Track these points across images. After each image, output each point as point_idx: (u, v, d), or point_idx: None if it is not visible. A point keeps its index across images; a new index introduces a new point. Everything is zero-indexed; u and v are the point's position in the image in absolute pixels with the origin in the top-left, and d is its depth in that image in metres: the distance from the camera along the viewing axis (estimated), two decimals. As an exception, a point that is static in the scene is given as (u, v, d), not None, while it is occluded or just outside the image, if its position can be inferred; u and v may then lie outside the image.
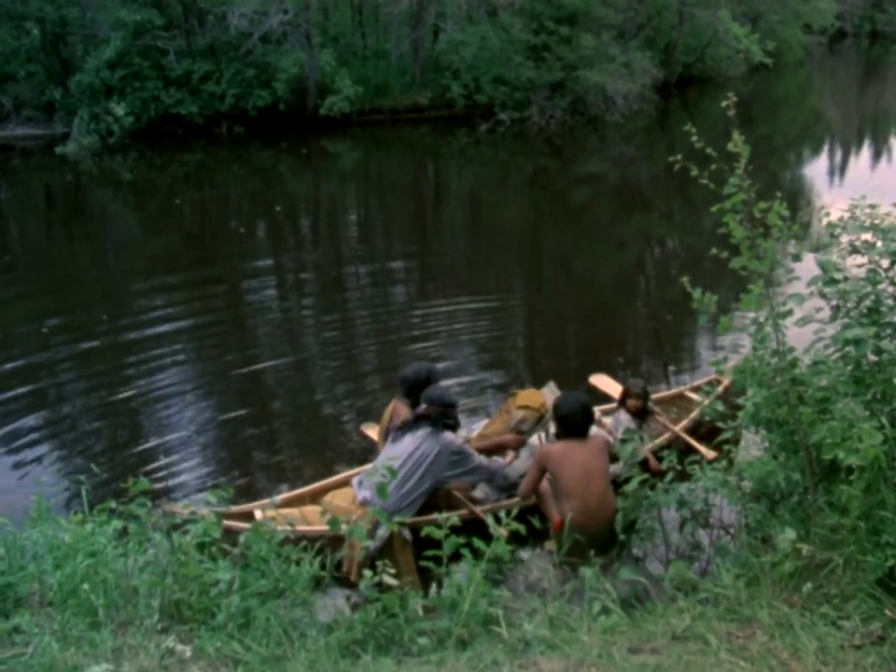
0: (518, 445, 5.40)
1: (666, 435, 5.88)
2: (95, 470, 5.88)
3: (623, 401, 6.05)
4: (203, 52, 21.40)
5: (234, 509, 5.02)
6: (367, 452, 6.25)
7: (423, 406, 5.02)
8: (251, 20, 20.20)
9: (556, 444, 4.97)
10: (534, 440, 5.62)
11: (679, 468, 4.46)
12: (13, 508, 5.07)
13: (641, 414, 5.95)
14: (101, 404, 7.57)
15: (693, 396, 6.58)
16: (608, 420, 6.03)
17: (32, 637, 2.84)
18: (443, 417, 4.92)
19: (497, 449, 5.43)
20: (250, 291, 11.08)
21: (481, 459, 5.05)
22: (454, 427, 5.02)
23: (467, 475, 5.02)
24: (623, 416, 5.97)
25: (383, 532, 4.46)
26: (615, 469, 5.09)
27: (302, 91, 21.49)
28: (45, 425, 7.18)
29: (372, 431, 6.16)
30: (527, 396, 5.58)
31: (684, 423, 6.04)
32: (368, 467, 5.23)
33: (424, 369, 5.53)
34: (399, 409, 5.41)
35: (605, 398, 6.52)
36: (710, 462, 5.10)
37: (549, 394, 5.63)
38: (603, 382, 6.83)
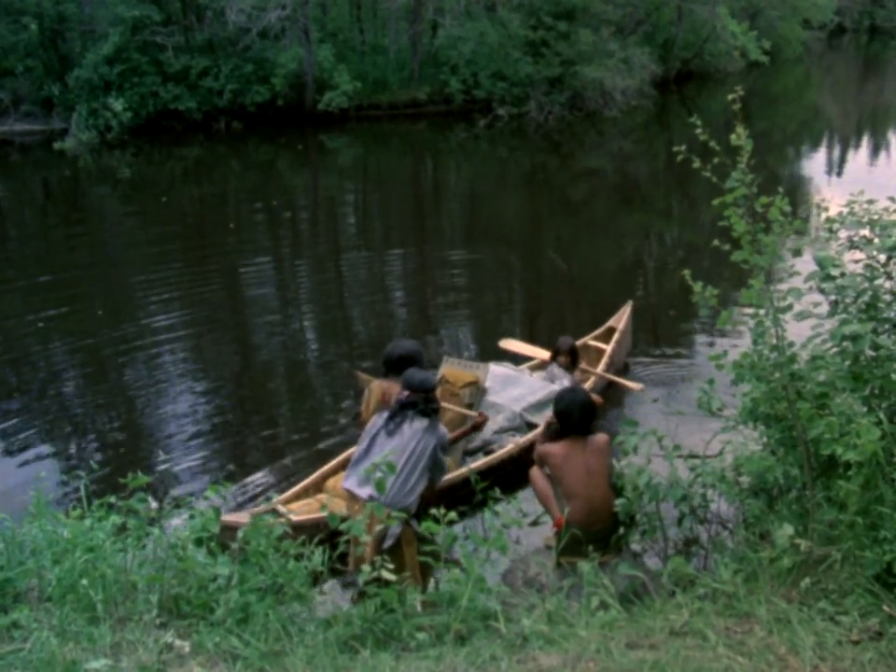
0: (484, 421, 5.74)
1: (593, 379, 7.02)
2: (94, 465, 5.89)
3: (554, 357, 6.98)
4: (201, 48, 21.39)
5: (229, 518, 4.93)
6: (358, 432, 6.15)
7: (404, 393, 4.91)
8: (249, 15, 20.18)
9: (556, 445, 4.83)
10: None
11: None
12: (12, 503, 5.07)
13: (570, 367, 6.97)
14: (99, 399, 7.58)
15: (597, 344, 7.74)
16: (541, 373, 7.11)
17: (31, 632, 2.84)
18: (427, 402, 4.82)
19: (473, 430, 5.82)
20: (245, 285, 11.11)
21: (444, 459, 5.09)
22: (437, 410, 4.94)
23: (436, 470, 4.95)
24: (557, 369, 6.98)
25: (394, 529, 4.43)
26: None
27: (301, 86, 21.47)
28: (43, 420, 7.18)
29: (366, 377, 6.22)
30: (457, 376, 6.34)
31: (601, 367, 7.24)
32: (357, 456, 4.93)
33: (416, 346, 5.52)
34: (392, 390, 5.25)
35: (524, 357, 7.43)
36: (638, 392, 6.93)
37: (456, 365, 6.48)
38: (514, 345, 7.68)
